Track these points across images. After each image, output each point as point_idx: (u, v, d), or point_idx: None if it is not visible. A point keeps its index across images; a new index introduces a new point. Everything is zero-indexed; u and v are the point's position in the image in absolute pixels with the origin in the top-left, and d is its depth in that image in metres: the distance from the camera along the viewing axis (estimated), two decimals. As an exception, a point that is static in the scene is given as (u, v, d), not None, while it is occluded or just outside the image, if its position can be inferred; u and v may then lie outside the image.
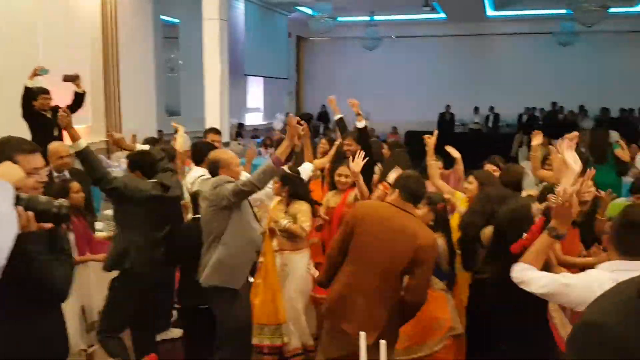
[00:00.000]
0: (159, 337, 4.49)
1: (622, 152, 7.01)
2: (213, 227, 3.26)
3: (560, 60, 14.58)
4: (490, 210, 2.87)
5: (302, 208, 3.83)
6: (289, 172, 3.87)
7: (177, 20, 11.00)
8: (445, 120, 15.58)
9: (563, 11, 12.40)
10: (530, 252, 2.38)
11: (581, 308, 2.12)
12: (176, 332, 4.50)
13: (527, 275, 2.29)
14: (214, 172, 3.38)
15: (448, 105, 15.60)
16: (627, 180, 5.35)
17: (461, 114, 15.76)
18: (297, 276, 3.89)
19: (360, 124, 4.88)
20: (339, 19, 14.07)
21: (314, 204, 3.98)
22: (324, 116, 16.27)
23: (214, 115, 7.97)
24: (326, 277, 3.08)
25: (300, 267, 3.91)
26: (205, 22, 8.05)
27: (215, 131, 5.48)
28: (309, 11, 13.87)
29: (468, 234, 3.15)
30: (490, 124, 15.62)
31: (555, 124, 14.20)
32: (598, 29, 11.64)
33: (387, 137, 14.23)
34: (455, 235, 3.59)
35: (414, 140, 12.23)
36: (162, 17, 10.25)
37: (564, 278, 2.21)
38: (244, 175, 4.22)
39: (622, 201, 4.18)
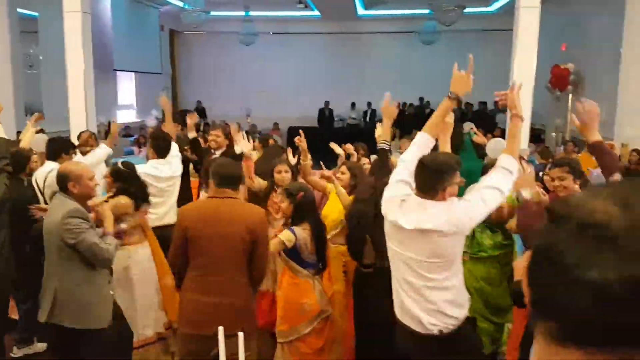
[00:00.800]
0: (20, 353, 4.21)
1: (478, 137, 7.85)
2: (54, 250, 2.97)
3: (425, 58, 15.52)
4: (376, 199, 2.97)
5: (118, 202, 3.46)
6: (122, 167, 3.67)
7: (35, 14, 10.21)
8: (325, 116, 16.04)
9: (426, 11, 13.22)
10: (432, 121, 2.71)
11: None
12: (40, 347, 4.23)
13: (410, 152, 2.62)
14: (62, 186, 3.02)
15: (327, 102, 16.07)
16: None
17: (339, 110, 16.27)
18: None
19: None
20: (214, 13, 13.85)
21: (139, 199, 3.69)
22: (201, 112, 15.96)
23: (79, 113, 7.49)
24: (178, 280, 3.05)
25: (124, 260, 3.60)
26: (66, 15, 7.54)
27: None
28: (181, 4, 13.50)
29: (359, 223, 3.27)
30: (368, 119, 16.28)
31: (422, 118, 15.18)
32: (457, 28, 12.56)
33: (269, 133, 14.37)
34: (329, 224, 3.72)
35: (296, 135, 12.36)
36: (19, 10, 9.46)
37: (404, 182, 2.53)
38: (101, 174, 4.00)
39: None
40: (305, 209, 3.33)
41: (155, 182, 4.22)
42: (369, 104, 16.18)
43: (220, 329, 1.77)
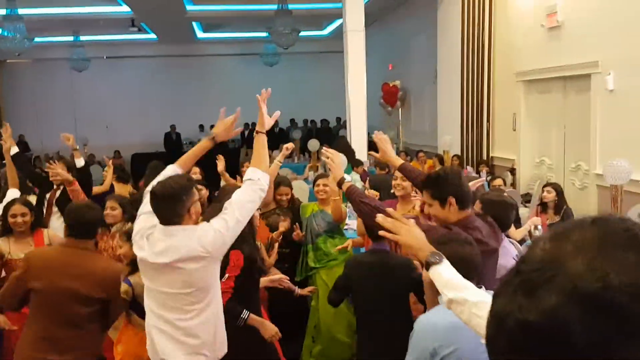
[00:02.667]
0: None
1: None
2: None
3: (268, 79, 15.82)
4: None
5: None
6: None
7: None
8: (172, 140, 15.63)
9: (264, 34, 13.59)
10: (187, 155, 2.75)
11: None
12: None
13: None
14: None
15: (173, 125, 15.68)
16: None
17: (188, 133, 15.92)
18: None
19: (79, 162, 4.70)
20: (40, 39, 12.86)
21: None
22: (24, 146, 14.59)
23: None
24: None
25: None
26: None
27: None
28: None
29: None
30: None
31: (271, 136, 15.54)
32: (297, 51, 13.03)
33: (111, 162, 13.59)
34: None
35: (141, 162, 12.00)
36: None
37: (151, 213, 2.40)
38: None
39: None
40: None
41: None
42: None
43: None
